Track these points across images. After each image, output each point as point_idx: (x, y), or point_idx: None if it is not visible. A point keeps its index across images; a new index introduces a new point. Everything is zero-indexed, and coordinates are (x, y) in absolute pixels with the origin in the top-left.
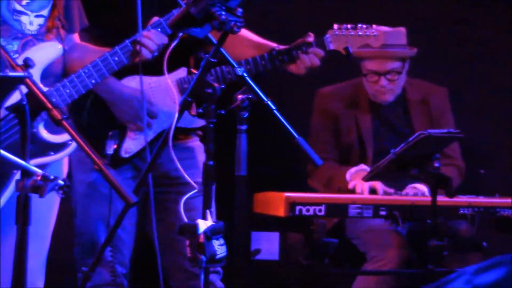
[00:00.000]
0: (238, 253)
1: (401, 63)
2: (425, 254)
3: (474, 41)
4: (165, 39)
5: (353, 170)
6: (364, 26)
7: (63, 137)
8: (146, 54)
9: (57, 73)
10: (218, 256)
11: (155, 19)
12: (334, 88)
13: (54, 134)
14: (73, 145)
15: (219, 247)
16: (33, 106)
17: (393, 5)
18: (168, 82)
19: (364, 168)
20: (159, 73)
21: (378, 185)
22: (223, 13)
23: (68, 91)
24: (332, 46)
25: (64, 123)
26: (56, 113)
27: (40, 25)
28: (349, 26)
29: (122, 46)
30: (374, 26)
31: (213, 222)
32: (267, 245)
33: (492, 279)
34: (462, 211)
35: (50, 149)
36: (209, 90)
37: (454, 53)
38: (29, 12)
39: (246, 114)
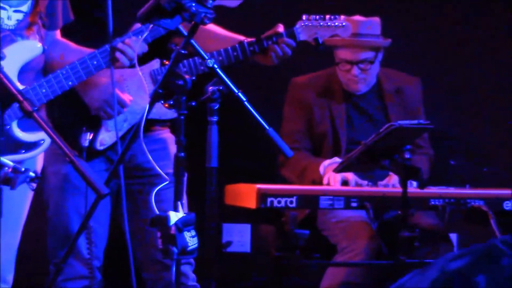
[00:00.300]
0: (209, 244)
1: (374, 52)
2: (396, 245)
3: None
4: (145, 47)
5: (326, 162)
6: (332, 16)
7: (36, 136)
8: (124, 61)
9: (36, 70)
10: (189, 248)
11: (137, 25)
12: (308, 77)
13: (27, 132)
14: (45, 144)
15: (191, 239)
16: (4, 99)
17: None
18: (139, 74)
19: (338, 160)
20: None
21: (350, 176)
22: (194, 4)
23: (44, 91)
24: (302, 37)
25: (35, 115)
26: (26, 105)
27: (18, 20)
28: (317, 16)
29: (102, 50)
30: (342, 16)
31: (185, 213)
32: (239, 237)
33: (460, 264)
34: (433, 203)
35: (22, 148)
36: (180, 82)
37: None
38: (7, 7)
39: (217, 106)
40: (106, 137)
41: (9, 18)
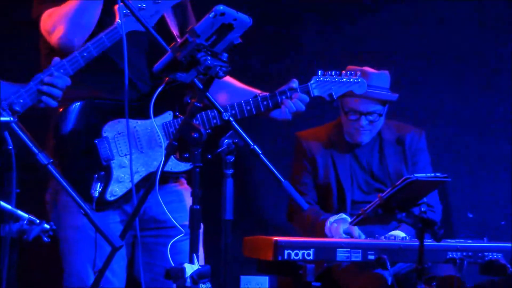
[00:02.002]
0: None
1: (382, 106)
2: None
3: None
4: (68, 81)
5: (332, 219)
6: (348, 72)
7: None
8: (51, 103)
9: None
10: None
11: (56, 59)
12: (312, 130)
13: None
14: None
15: None
16: (19, 151)
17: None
18: (154, 126)
19: (343, 217)
20: (145, 116)
21: (353, 229)
22: (209, 58)
23: None
24: (316, 93)
25: (49, 168)
26: (41, 157)
27: None
28: (333, 72)
29: (27, 89)
30: (358, 73)
31: (200, 266)
32: None
33: None
34: (450, 255)
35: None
36: (195, 135)
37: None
38: None
39: (232, 159)
40: (116, 188)
41: None
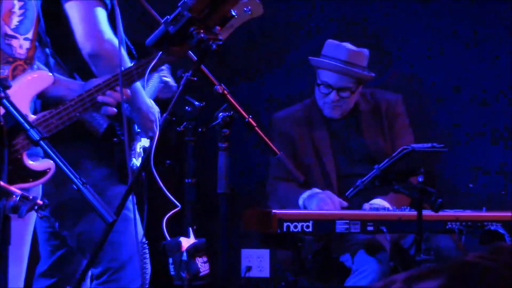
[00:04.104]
0: (221, 270)
1: (357, 84)
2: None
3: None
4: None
5: (305, 195)
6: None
7: (44, 165)
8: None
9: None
10: (201, 274)
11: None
12: (287, 111)
13: (35, 161)
14: (51, 173)
15: (202, 265)
16: (12, 128)
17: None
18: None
19: (316, 191)
20: None
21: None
22: (202, 31)
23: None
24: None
25: (42, 143)
26: (33, 133)
27: (27, 48)
28: None
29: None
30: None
31: (196, 240)
32: (258, 262)
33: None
34: (449, 226)
35: (30, 176)
36: (189, 108)
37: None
38: (18, 35)
39: (227, 132)
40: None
41: (20, 47)
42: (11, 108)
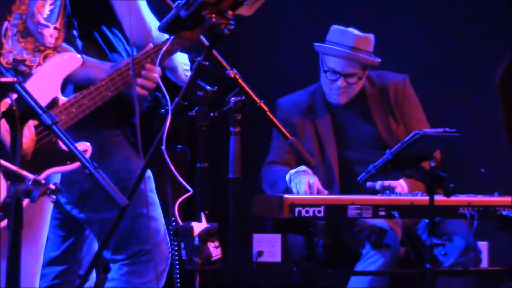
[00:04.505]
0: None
1: (363, 70)
2: (423, 253)
3: (476, 41)
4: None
5: (293, 171)
6: None
7: (81, 147)
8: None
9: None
10: (213, 258)
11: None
12: (290, 97)
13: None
14: (88, 154)
15: (214, 249)
16: (24, 112)
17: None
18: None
19: (304, 169)
20: None
21: (316, 182)
22: (214, 15)
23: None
24: None
25: (54, 128)
26: (45, 118)
27: (56, 37)
28: None
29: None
30: None
31: (208, 224)
32: (269, 247)
33: None
34: (461, 211)
35: (67, 159)
36: (201, 93)
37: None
38: (50, 24)
39: (239, 116)
40: None
41: (51, 36)
42: (23, 92)
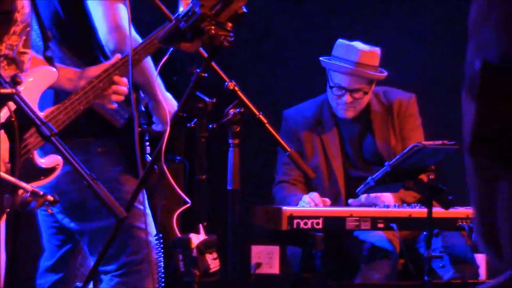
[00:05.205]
0: (231, 267)
1: (370, 84)
2: (421, 265)
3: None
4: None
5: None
6: None
7: (53, 161)
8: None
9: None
10: (211, 270)
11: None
12: (298, 108)
13: (45, 158)
14: (60, 168)
15: (212, 261)
16: (22, 123)
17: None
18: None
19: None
20: None
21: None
22: (213, 27)
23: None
24: None
25: (53, 139)
26: (44, 129)
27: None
28: None
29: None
30: None
31: (207, 236)
32: (268, 259)
33: None
34: (459, 223)
35: (41, 174)
36: (200, 105)
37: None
38: (27, 50)
39: (238, 128)
40: None
41: (28, 60)
42: (22, 104)
